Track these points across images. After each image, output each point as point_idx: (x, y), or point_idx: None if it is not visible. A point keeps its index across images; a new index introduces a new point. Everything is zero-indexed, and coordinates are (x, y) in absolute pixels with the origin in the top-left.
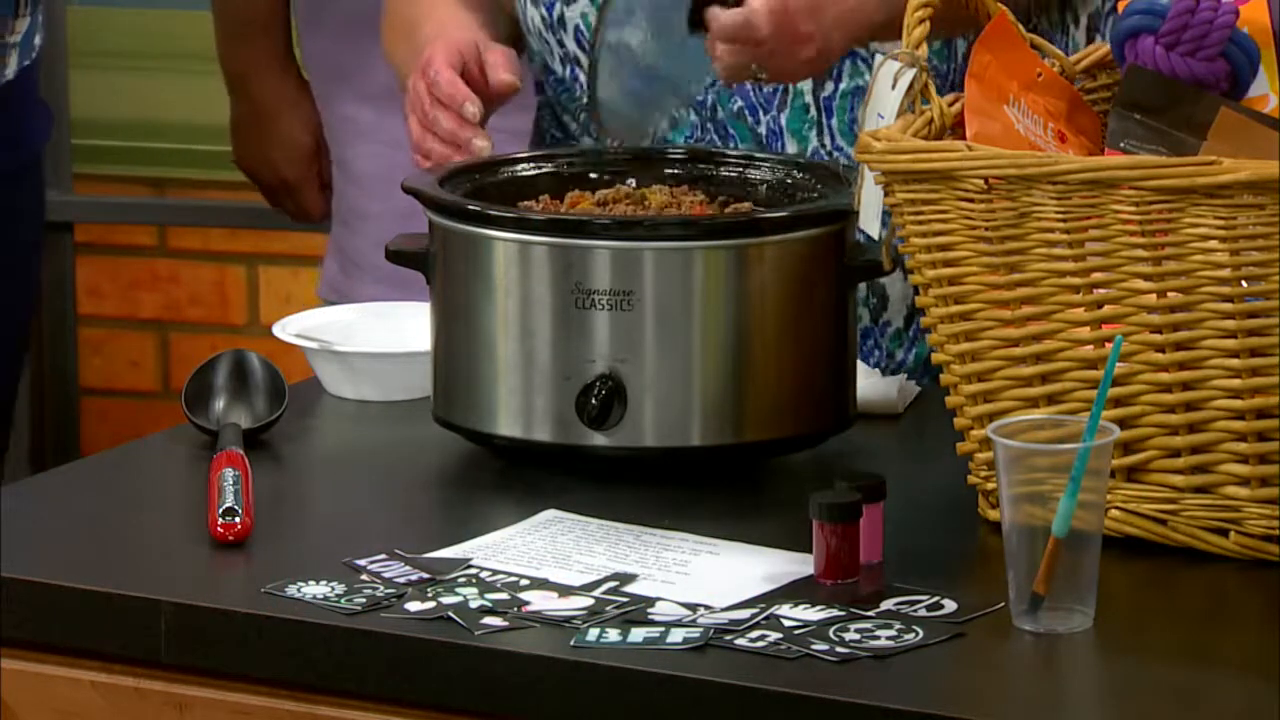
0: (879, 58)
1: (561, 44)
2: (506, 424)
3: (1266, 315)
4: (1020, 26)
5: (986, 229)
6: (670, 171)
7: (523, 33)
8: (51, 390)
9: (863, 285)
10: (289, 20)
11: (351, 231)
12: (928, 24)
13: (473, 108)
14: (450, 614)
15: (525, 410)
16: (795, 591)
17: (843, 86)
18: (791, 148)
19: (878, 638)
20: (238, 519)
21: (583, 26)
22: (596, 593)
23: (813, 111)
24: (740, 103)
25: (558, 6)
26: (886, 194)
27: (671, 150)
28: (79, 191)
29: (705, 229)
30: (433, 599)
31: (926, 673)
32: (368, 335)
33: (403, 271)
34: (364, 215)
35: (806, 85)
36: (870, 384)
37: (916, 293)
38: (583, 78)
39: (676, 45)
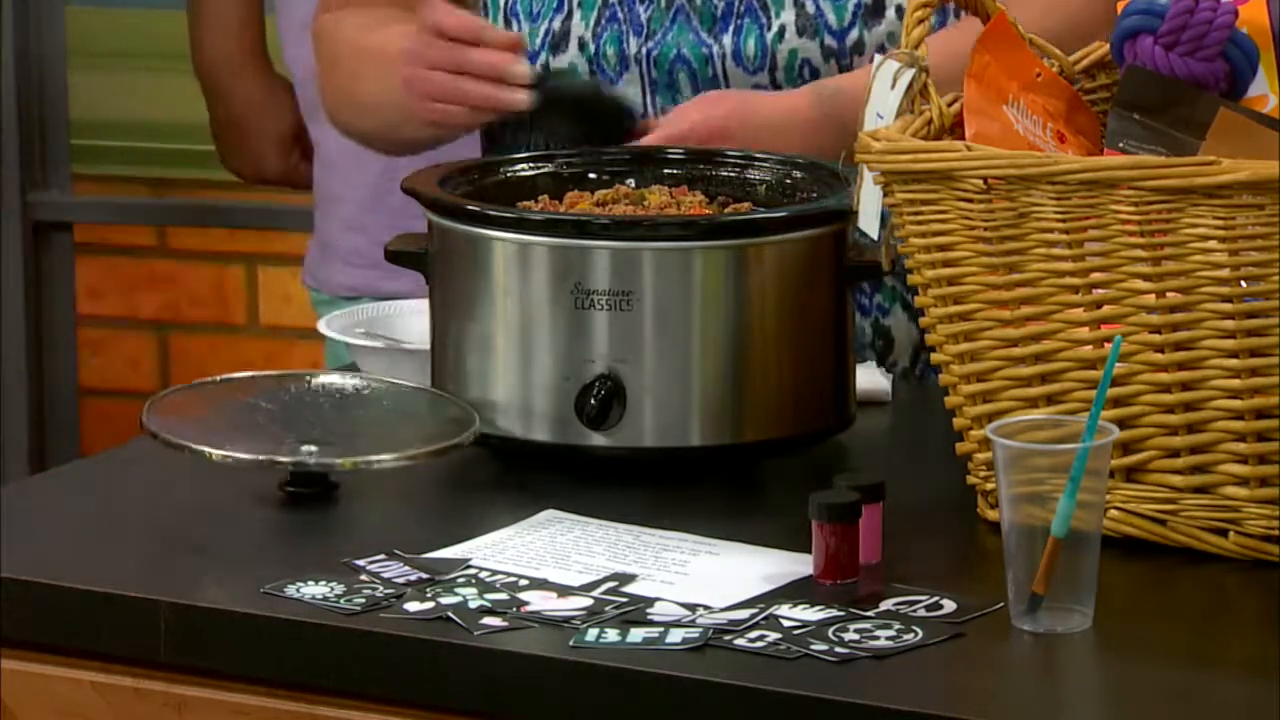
0: (878, 57)
1: None
2: (506, 424)
3: (1266, 315)
4: (1019, 27)
5: (985, 229)
6: (669, 171)
7: None
8: (51, 390)
9: (869, 328)
10: (262, 19)
11: (324, 215)
12: (928, 24)
13: (493, 34)
14: (449, 614)
15: (524, 410)
16: (794, 591)
17: None
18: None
19: (877, 638)
20: None
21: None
22: (596, 593)
23: None
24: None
25: (542, 55)
26: (885, 194)
27: (671, 150)
28: (79, 192)
29: (705, 229)
30: (432, 599)
31: (926, 673)
32: (406, 331)
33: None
34: (333, 198)
35: None
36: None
37: (924, 333)
38: None
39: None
